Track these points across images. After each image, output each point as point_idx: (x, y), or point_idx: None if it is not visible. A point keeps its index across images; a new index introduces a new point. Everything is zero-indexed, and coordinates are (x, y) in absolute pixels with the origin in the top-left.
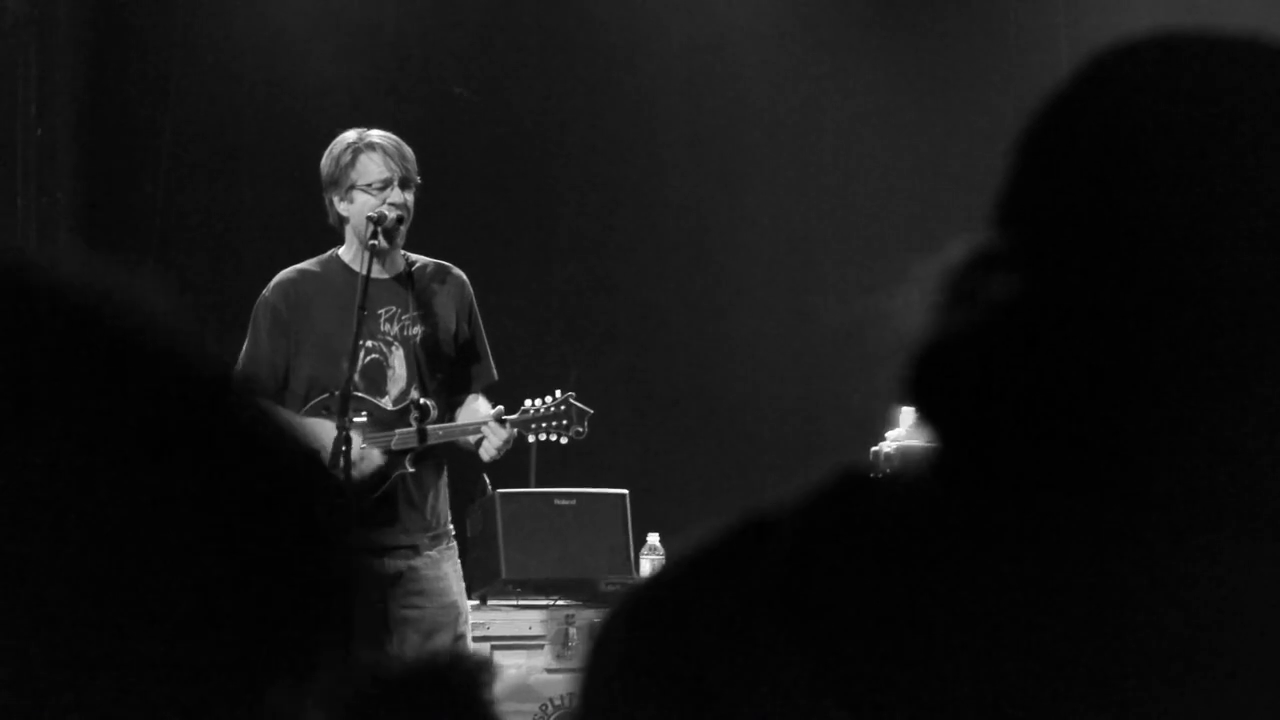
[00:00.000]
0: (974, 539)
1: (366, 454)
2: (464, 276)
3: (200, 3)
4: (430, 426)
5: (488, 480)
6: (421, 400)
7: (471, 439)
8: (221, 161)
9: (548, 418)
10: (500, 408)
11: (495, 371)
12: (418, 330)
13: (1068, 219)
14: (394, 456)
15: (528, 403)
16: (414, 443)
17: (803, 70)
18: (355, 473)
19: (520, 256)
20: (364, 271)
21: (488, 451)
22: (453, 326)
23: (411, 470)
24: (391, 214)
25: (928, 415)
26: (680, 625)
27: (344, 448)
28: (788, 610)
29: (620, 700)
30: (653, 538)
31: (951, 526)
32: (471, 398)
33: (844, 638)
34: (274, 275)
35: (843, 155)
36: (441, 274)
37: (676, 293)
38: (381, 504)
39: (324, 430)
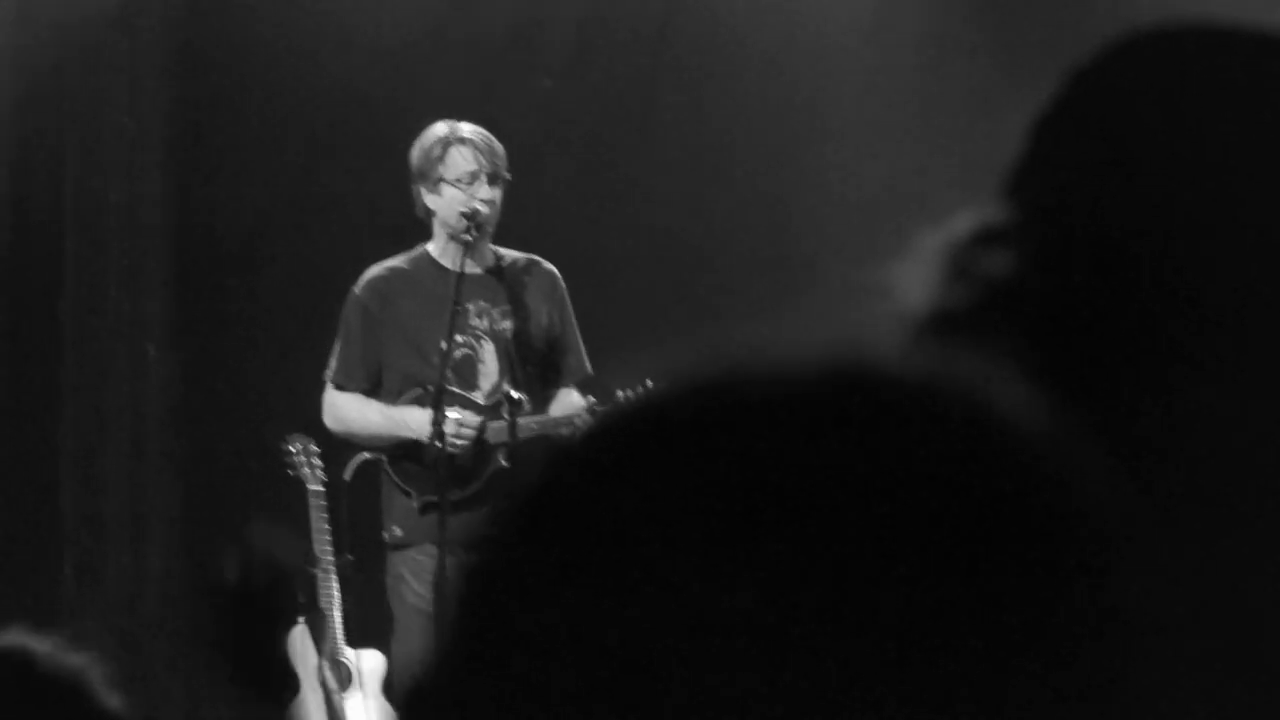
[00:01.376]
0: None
1: (466, 434)
2: (554, 270)
3: None
4: (523, 420)
5: None
6: (513, 394)
7: (564, 432)
8: (310, 155)
9: None
10: (591, 399)
11: (588, 365)
12: (508, 324)
13: (1076, 199)
14: (488, 451)
15: (620, 394)
16: (506, 436)
17: (894, 59)
18: (451, 467)
19: (610, 249)
20: (458, 267)
21: None
22: (544, 320)
23: (505, 465)
24: (485, 209)
25: None
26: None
27: (438, 443)
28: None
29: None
30: None
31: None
32: (564, 391)
33: None
34: (364, 271)
35: (931, 149)
36: (531, 268)
37: (767, 284)
38: (475, 499)
39: (423, 416)
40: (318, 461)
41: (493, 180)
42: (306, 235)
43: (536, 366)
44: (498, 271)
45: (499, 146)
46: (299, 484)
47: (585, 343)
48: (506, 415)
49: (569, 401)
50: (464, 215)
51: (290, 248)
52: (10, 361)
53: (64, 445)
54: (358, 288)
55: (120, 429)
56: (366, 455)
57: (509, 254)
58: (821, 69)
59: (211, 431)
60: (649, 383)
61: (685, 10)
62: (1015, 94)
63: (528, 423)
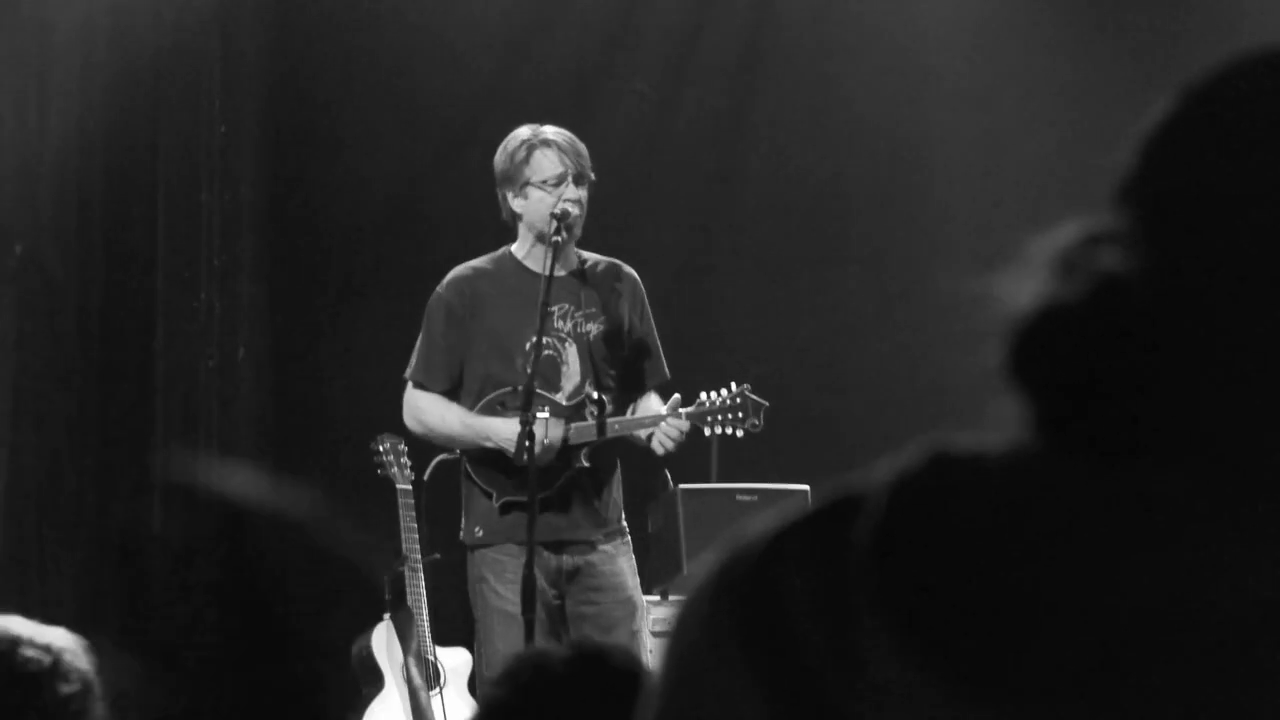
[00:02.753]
0: (1074, 514)
1: (549, 448)
2: (635, 274)
3: (381, 1)
4: (607, 420)
5: (669, 476)
6: (597, 395)
7: (646, 433)
8: (401, 158)
9: (724, 410)
10: (676, 396)
11: (667, 370)
12: (591, 327)
13: (1190, 208)
14: (570, 452)
15: (703, 395)
16: (591, 436)
17: (999, 65)
18: (535, 467)
19: (699, 251)
20: (544, 269)
21: (663, 444)
22: (625, 324)
23: (586, 465)
24: (574, 210)
25: (1029, 387)
26: (767, 599)
27: (528, 443)
28: (876, 586)
29: (708, 671)
30: None
31: (1051, 502)
32: (645, 395)
33: (934, 616)
34: (449, 271)
35: (1038, 153)
36: (614, 271)
37: (857, 285)
38: (557, 499)
39: (505, 427)
40: (406, 460)
41: (579, 181)
42: (397, 237)
43: (617, 369)
44: (581, 274)
45: (582, 147)
46: (388, 483)
47: (672, 346)
48: (590, 416)
49: (650, 404)
50: (554, 217)
51: (381, 249)
52: (103, 365)
53: (155, 447)
54: (442, 287)
55: (210, 431)
56: (446, 455)
57: (591, 256)
58: (917, 75)
59: (301, 432)
60: (734, 386)
61: (778, 18)
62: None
63: (611, 423)
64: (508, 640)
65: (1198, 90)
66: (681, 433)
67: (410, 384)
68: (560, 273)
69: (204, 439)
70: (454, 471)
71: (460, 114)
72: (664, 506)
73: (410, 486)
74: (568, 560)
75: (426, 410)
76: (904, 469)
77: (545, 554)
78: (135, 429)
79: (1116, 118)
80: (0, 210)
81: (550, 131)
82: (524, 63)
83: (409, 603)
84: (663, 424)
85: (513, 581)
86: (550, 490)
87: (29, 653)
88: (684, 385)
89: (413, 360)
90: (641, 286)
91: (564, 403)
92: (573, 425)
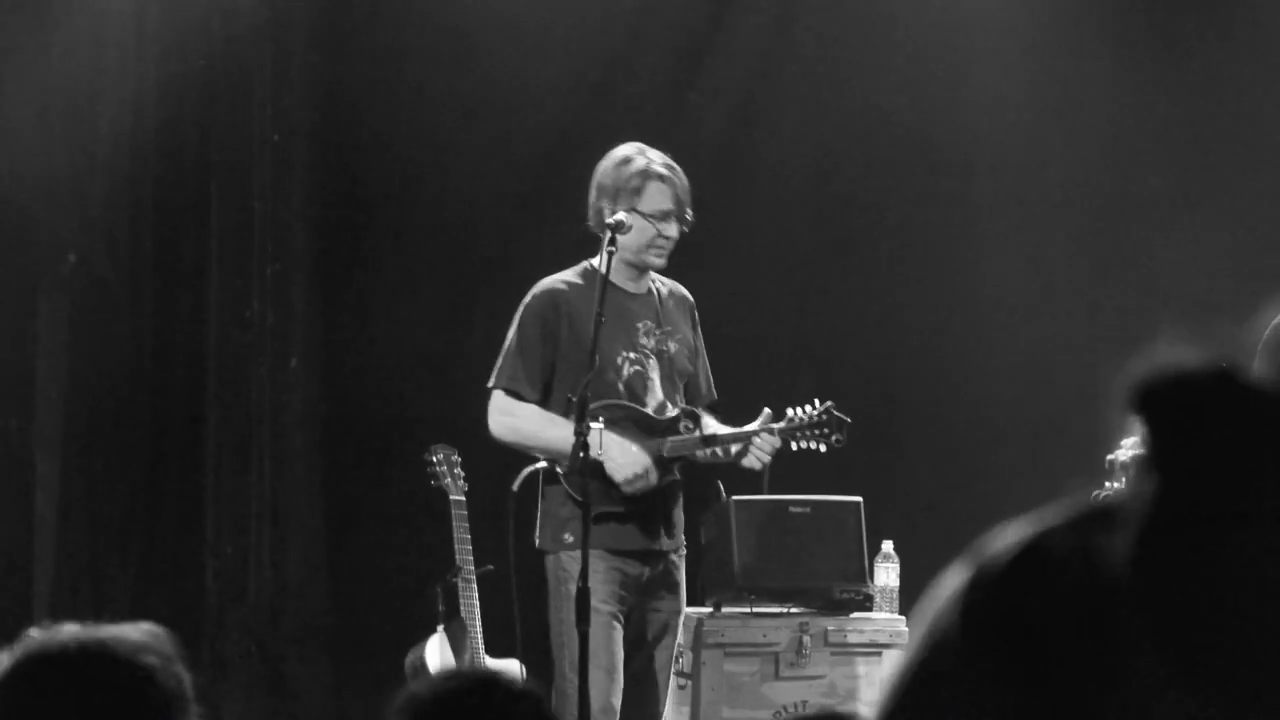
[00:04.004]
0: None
1: (648, 485)
2: (691, 297)
3: (434, 6)
4: (708, 434)
5: (722, 487)
6: (690, 409)
7: (734, 448)
8: (451, 163)
9: (812, 426)
10: (768, 411)
11: (715, 391)
12: (671, 346)
13: None
14: (666, 465)
15: (791, 411)
16: (687, 451)
17: (1036, 65)
18: (644, 483)
19: (749, 261)
20: (602, 269)
21: (760, 459)
22: (691, 343)
23: (678, 478)
24: (664, 252)
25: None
26: (1023, 606)
27: (582, 452)
28: (1150, 608)
29: (957, 672)
30: (887, 545)
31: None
32: (714, 422)
33: (1217, 647)
34: (511, 279)
35: (1080, 154)
36: (678, 292)
37: (907, 297)
38: (648, 511)
39: (631, 451)
40: (459, 471)
41: (680, 220)
42: (448, 243)
43: (683, 390)
44: (657, 293)
45: (688, 189)
46: (441, 494)
47: (729, 360)
48: (686, 430)
49: (711, 422)
50: (609, 227)
51: (434, 256)
52: (156, 374)
53: (207, 456)
54: (534, 299)
55: (262, 440)
56: (541, 465)
57: (657, 278)
58: (953, 75)
59: (354, 442)
60: (818, 402)
61: (808, 16)
62: (1161, 103)
63: (707, 437)
64: (600, 639)
65: None
66: (775, 448)
67: (501, 392)
68: (640, 291)
69: (256, 449)
70: (534, 480)
71: (510, 118)
72: (717, 517)
73: (463, 497)
74: (649, 570)
75: (527, 419)
76: (1166, 476)
77: (632, 562)
78: (187, 439)
79: (1156, 118)
80: (53, 219)
81: (663, 164)
82: (570, 66)
83: (462, 614)
84: (756, 440)
85: (605, 584)
86: (644, 503)
87: (150, 659)
88: (740, 398)
89: (502, 368)
90: (695, 309)
91: (656, 417)
92: (668, 440)
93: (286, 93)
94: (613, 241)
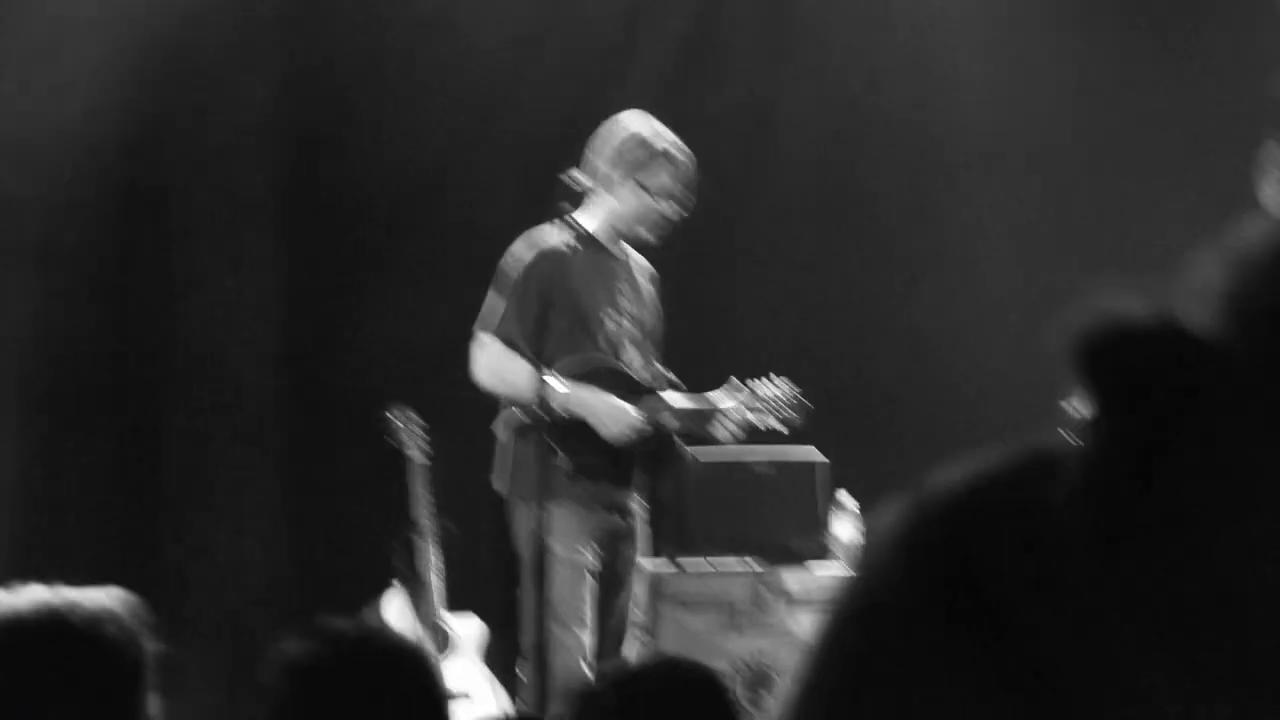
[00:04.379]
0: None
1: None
2: (657, 275)
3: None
4: (686, 397)
5: (681, 443)
6: (669, 377)
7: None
8: (413, 146)
9: (774, 403)
10: (733, 379)
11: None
12: (644, 314)
13: None
14: (649, 424)
15: (752, 385)
16: (665, 417)
17: (1017, 55)
18: (631, 435)
19: (717, 239)
20: (616, 251)
21: (734, 435)
22: (657, 317)
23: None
24: (661, 229)
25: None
26: (968, 558)
27: (539, 407)
28: (1103, 564)
29: (900, 626)
30: (844, 496)
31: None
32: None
33: (1177, 603)
34: (472, 249)
35: (1065, 142)
36: (647, 267)
37: (873, 264)
38: (624, 465)
39: (612, 401)
40: (418, 431)
41: (681, 203)
42: (410, 223)
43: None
44: (631, 262)
45: (694, 175)
46: (400, 453)
47: (703, 338)
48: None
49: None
50: (658, 223)
51: (394, 225)
52: (117, 343)
53: (165, 419)
54: (529, 256)
55: (223, 403)
56: (520, 415)
57: (629, 249)
58: (937, 66)
59: (313, 402)
60: (773, 376)
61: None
62: (1137, 91)
63: (681, 411)
64: (573, 588)
65: None
66: (748, 422)
67: (493, 338)
68: (625, 259)
69: (216, 412)
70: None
71: (473, 104)
72: (676, 473)
73: (422, 456)
74: (625, 522)
75: (514, 370)
76: (1111, 426)
77: (603, 513)
78: (152, 413)
79: (1131, 105)
80: (19, 195)
81: (675, 144)
82: (539, 54)
83: (420, 571)
84: (730, 413)
85: (580, 535)
86: (615, 457)
87: (110, 629)
88: (701, 369)
89: (498, 318)
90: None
91: (637, 378)
92: (647, 401)
93: (249, 72)
94: (651, 230)
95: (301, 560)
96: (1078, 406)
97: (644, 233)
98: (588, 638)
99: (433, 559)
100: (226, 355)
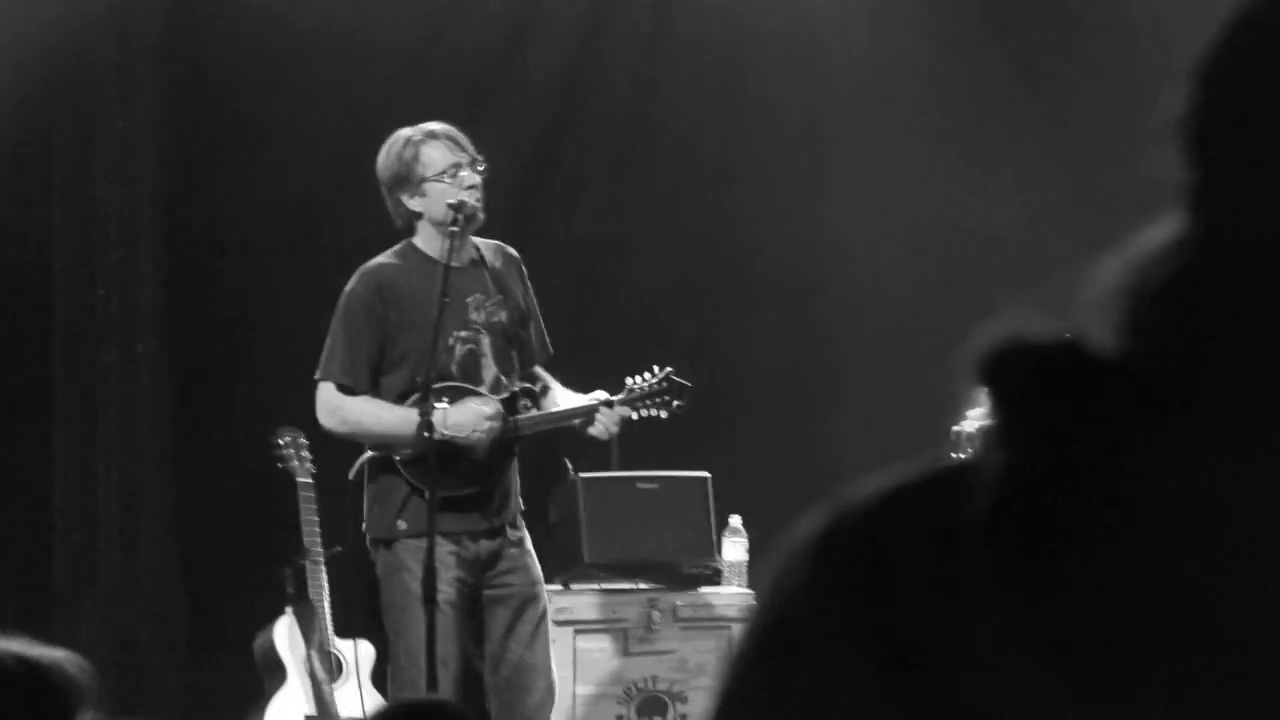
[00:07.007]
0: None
1: (491, 431)
2: (516, 253)
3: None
4: (543, 413)
5: (570, 465)
6: (526, 386)
7: (577, 421)
8: (301, 155)
9: (651, 394)
10: (599, 393)
11: (550, 346)
12: (502, 315)
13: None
14: (511, 444)
15: (630, 380)
16: (537, 428)
17: (894, 54)
18: (468, 459)
19: (603, 237)
20: (444, 259)
21: (606, 431)
22: (522, 305)
23: (514, 455)
24: (472, 199)
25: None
26: (878, 570)
27: (427, 432)
28: (1001, 572)
29: (810, 636)
30: (735, 520)
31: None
32: (552, 382)
33: (1067, 609)
34: (358, 268)
35: (938, 149)
36: (503, 254)
37: (759, 272)
38: (487, 491)
39: (467, 407)
40: (306, 454)
41: (473, 166)
42: (297, 234)
43: (518, 350)
44: (482, 262)
45: (464, 137)
46: (288, 476)
47: (584, 331)
48: (524, 409)
49: (557, 393)
50: (451, 207)
51: (279, 245)
52: (1, 360)
53: (56, 442)
54: (355, 283)
55: (111, 426)
56: (373, 454)
57: (481, 242)
58: (816, 61)
59: (202, 427)
60: (657, 369)
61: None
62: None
63: (548, 415)
64: (424, 625)
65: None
66: (623, 418)
67: (331, 386)
68: (464, 263)
69: (103, 434)
70: (368, 469)
71: (362, 110)
72: (565, 495)
73: (310, 480)
74: (486, 547)
75: (356, 411)
76: (1015, 447)
77: (468, 543)
78: (36, 427)
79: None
80: None
81: (433, 126)
82: (427, 57)
83: (310, 596)
84: (602, 411)
85: (442, 569)
86: (491, 484)
87: (60, 678)
88: (589, 370)
89: (328, 360)
90: (522, 264)
91: (491, 395)
92: (517, 419)
93: (131, 80)
94: (454, 223)
95: (191, 585)
96: (978, 422)
97: (461, 217)
98: (442, 672)
99: (323, 584)
100: (112, 375)
